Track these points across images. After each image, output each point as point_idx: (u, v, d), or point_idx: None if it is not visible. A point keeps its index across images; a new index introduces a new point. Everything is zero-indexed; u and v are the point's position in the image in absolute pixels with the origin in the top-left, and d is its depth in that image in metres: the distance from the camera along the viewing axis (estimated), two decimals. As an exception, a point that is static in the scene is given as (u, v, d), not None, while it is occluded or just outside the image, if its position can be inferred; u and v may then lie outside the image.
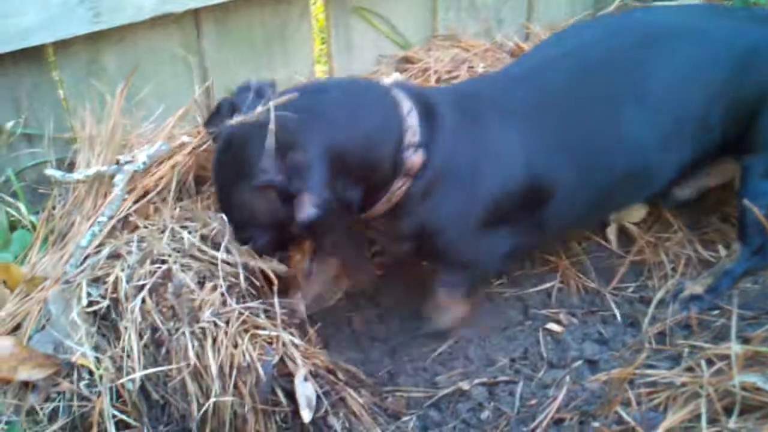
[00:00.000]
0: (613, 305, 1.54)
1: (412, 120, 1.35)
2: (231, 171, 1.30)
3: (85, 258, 1.40)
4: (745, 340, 1.31)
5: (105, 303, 1.31)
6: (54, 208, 1.57)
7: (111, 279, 1.33)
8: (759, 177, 1.50)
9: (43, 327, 1.33)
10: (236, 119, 1.30)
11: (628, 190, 1.53)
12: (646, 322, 1.45)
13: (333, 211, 1.25)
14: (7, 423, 1.26)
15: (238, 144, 1.29)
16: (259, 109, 1.27)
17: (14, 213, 1.60)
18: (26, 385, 1.30)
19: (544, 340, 1.47)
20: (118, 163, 1.53)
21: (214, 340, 1.26)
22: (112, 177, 1.52)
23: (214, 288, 1.31)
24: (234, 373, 1.23)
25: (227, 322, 1.27)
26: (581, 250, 1.68)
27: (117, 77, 1.71)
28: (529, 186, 1.43)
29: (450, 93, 1.53)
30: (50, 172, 1.54)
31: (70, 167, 1.65)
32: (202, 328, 1.27)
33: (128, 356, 1.27)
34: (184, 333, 1.27)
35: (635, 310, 1.51)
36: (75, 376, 1.29)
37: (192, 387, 1.25)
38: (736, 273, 1.55)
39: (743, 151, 1.50)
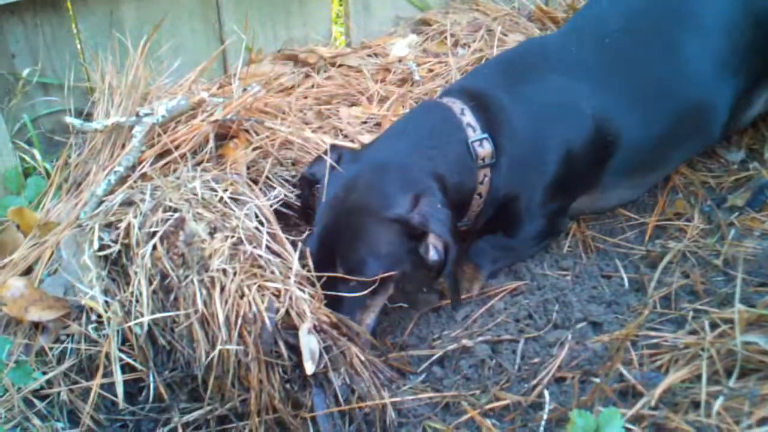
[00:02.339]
0: (621, 268, 1.53)
1: (467, 118, 1.46)
2: (357, 205, 1.36)
3: (99, 204, 1.42)
4: (751, 305, 1.31)
5: (116, 248, 1.33)
6: (69, 156, 1.59)
7: (123, 225, 1.35)
8: None
9: (55, 271, 1.36)
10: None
11: (690, 131, 1.59)
12: (651, 286, 1.45)
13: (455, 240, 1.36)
14: (16, 362, 1.29)
15: (366, 184, 1.38)
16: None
17: (29, 159, 1.62)
18: (36, 327, 1.33)
19: (550, 302, 1.47)
20: (137, 115, 1.54)
21: (222, 289, 1.27)
22: (131, 128, 1.53)
23: (225, 239, 1.32)
24: (240, 322, 1.25)
25: (235, 273, 1.28)
26: (592, 215, 1.67)
27: (135, 30, 1.72)
28: (596, 133, 1.49)
29: (495, 67, 1.61)
30: (70, 120, 1.55)
31: (87, 117, 1.66)
32: (211, 277, 1.28)
33: (137, 301, 1.29)
34: (193, 281, 1.28)
35: (642, 274, 1.50)
36: (84, 319, 1.31)
37: (199, 333, 1.27)
38: None
39: None
